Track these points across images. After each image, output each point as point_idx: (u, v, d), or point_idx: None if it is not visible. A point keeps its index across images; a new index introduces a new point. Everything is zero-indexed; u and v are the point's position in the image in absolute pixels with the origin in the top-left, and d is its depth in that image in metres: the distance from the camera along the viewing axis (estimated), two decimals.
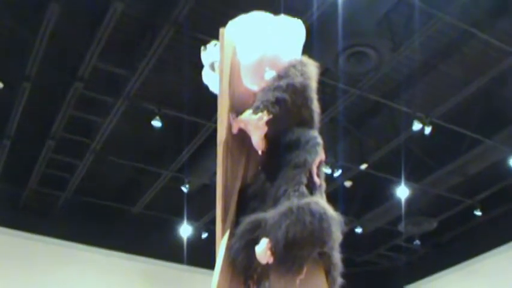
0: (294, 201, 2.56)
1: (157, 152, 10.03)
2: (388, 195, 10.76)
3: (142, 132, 9.44)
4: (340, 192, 10.16)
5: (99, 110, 8.91)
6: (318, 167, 2.75)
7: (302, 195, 2.61)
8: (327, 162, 9.54)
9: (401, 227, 11.40)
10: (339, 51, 7.29)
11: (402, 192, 10.44)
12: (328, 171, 9.66)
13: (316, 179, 2.71)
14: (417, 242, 12.20)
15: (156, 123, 8.76)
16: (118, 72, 8.28)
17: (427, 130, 8.90)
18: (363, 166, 9.97)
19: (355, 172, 10.19)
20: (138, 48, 7.91)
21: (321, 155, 2.78)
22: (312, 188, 2.68)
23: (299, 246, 2.49)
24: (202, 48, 3.21)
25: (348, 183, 10.67)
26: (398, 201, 10.65)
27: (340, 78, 8.18)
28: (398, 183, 10.31)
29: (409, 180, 10.23)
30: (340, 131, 9.49)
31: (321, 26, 6.98)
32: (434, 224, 11.42)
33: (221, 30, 3.03)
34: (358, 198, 11.21)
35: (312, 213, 2.50)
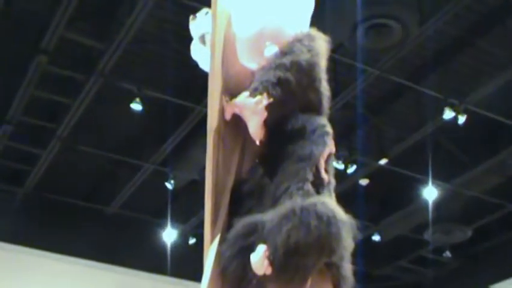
0: (297, 201, 2.59)
1: (136, 140, 10.05)
2: (412, 197, 10.79)
3: (118, 116, 9.46)
4: (354, 192, 10.19)
5: (67, 90, 8.92)
6: (327, 161, 2.77)
7: (307, 194, 2.64)
8: (339, 156, 9.58)
9: (428, 235, 11.43)
10: (355, 23, 7.29)
11: (430, 193, 10.47)
12: (340, 166, 9.68)
13: (324, 175, 2.73)
14: (447, 253, 12.24)
15: (136, 106, 8.78)
16: (90, 45, 8.28)
17: (461, 119, 8.93)
18: (383, 161, 10.00)
19: (373, 168, 10.21)
20: (115, 16, 7.91)
21: (331, 147, 2.80)
22: (318, 185, 2.70)
23: (302, 254, 2.51)
24: (191, 17, 3.23)
25: (363, 181, 10.70)
26: (425, 204, 10.68)
27: (356, 55, 8.18)
28: (425, 182, 10.34)
29: (438, 179, 10.26)
30: (355, 118, 9.50)
31: None
32: (469, 233, 11.45)
33: None
34: (376, 199, 11.24)
35: (318, 215, 2.53)
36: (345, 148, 9.79)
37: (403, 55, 8.31)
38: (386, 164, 10.06)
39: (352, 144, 9.96)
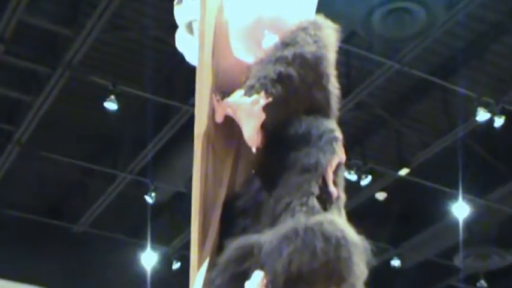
0: (300, 220, 2.60)
1: (110, 145, 10.05)
2: (439, 214, 10.80)
3: (89, 117, 9.47)
4: (370, 208, 10.20)
5: (28, 85, 8.92)
6: (336, 172, 2.79)
7: (312, 210, 2.65)
8: (351, 165, 9.60)
9: (458, 261, 11.44)
10: (371, 7, 7.32)
11: (460, 210, 10.49)
12: (352, 177, 9.70)
13: (332, 188, 2.75)
14: (482, 282, 12.24)
15: (110, 104, 8.79)
16: (56, 31, 8.30)
17: (498, 122, 8.95)
18: (403, 171, 10.01)
19: (391, 179, 10.23)
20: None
21: (340, 155, 2.82)
22: (326, 201, 2.72)
23: (306, 283, 2.53)
24: (175, 1, 3.24)
25: (380, 195, 10.71)
26: (455, 223, 10.69)
27: (372, 46, 8.20)
28: (454, 197, 10.35)
29: (470, 193, 10.28)
30: (370, 120, 9.51)
31: None
32: (508, 258, 11.45)
33: None
34: (396, 217, 11.25)
35: (325, 236, 2.54)
36: (358, 156, 9.81)
37: (428, 45, 8.33)
38: (408, 174, 10.07)
39: (367, 151, 9.97)
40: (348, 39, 7.87)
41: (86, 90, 8.96)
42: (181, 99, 8.80)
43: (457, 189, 10.15)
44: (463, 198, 10.31)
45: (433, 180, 10.17)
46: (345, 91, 7.34)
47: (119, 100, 8.79)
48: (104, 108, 8.82)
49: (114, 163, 10.10)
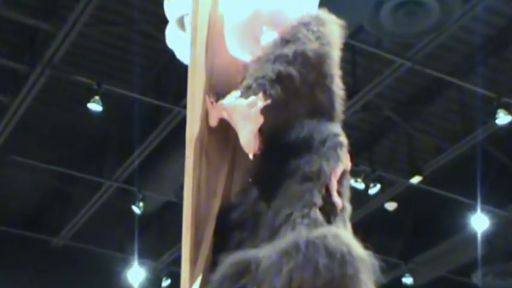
0: (301, 233, 2.61)
1: (95, 150, 10.05)
2: (455, 227, 10.80)
3: (72, 119, 9.46)
4: (378, 220, 10.19)
5: (4, 85, 8.92)
6: (340, 181, 2.80)
7: (314, 223, 2.66)
8: (357, 172, 9.59)
9: (476, 279, 11.43)
10: (380, 1, 7.32)
11: (478, 222, 10.48)
12: (359, 185, 9.70)
13: (336, 198, 2.76)
14: None
15: (95, 106, 8.79)
16: (35, 26, 8.30)
17: None
18: (415, 179, 10.01)
19: (402, 188, 10.23)
20: None
21: (345, 162, 2.83)
22: (329, 212, 2.72)
23: None
24: None
25: (390, 206, 10.71)
26: (472, 237, 10.69)
27: (380, 42, 8.20)
28: (471, 208, 10.35)
29: (489, 203, 10.28)
30: (379, 123, 9.51)
31: None
32: None
33: None
34: (407, 229, 11.25)
35: (329, 252, 2.55)
36: (366, 162, 9.81)
37: (443, 41, 8.34)
38: (420, 183, 10.07)
39: (375, 157, 9.97)
40: (354, 34, 7.87)
41: (67, 90, 8.97)
42: (172, 100, 8.80)
43: (475, 199, 10.15)
44: (482, 209, 10.31)
45: (448, 189, 10.17)
46: (351, 91, 7.39)
47: (103, 101, 8.79)
48: (88, 109, 8.82)
49: (99, 170, 10.10)
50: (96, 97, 8.76)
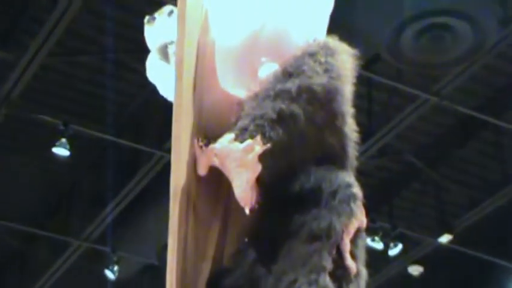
0: None
1: (61, 203, 10.05)
2: None
3: (33, 166, 9.47)
4: (401, 286, 10.15)
5: None
6: (354, 240, 2.80)
7: None
8: (375, 229, 9.58)
9: None
10: (400, 24, 7.36)
11: None
12: (377, 245, 9.69)
13: (349, 261, 2.75)
14: None
15: (60, 150, 8.81)
16: None
17: None
18: (444, 238, 10.01)
19: (429, 249, 10.21)
20: (27, 12, 7.98)
21: (360, 218, 2.83)
22: (341, 278, 2.72)
23: None
24: (146, 18, 3.27)
25: (415, 270, 10.70)
26: None
27: (401, 74, 8.24)
28: (511, 272, 10.34)
29: None
30: (399, 171, 9.51)
31: None
32: None
33: None
34: None
35: None
36: (385, 217, 9.81)
37: (476, 72, 8.38)
38: (450, 242, 10.06)
39: (396, 212, 9.98)
40: (369, 65, 7.90)
41: (29, 131, 8.99)
42: (153, 144, 8.82)
43: None
44: None
45: (483, 250, 10.17)
46: (366, 133, 7.40)
47: (71, 144, 8.81)
48: (53, 154, 8.84)
49: (65, 227, 10.09)
50: (63, 140, 8.80)
